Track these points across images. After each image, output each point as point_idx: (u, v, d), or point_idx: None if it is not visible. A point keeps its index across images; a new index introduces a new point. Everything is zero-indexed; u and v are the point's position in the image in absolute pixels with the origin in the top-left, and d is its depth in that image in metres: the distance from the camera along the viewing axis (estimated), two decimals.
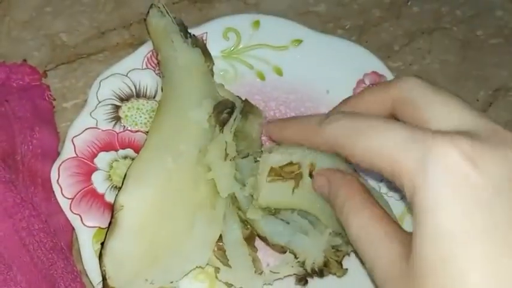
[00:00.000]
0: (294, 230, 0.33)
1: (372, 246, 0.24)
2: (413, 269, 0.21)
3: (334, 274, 0.33)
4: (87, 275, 0.32)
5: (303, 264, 0.32)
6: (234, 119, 0.36)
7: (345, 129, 0.25)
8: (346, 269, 0.33)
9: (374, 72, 0.42)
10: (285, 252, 0.32)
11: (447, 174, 0.21)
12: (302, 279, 0.32)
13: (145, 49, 0.40)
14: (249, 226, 0.33)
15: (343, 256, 0.33)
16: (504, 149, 0.21)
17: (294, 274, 0.32)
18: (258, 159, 0.35)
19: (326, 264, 0.32)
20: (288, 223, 0.33)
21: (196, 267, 0.32)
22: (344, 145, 0.25)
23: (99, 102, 0.37)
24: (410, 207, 0.22)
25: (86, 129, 0.36)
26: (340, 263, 0.32)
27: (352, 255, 0.34)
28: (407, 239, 0.23)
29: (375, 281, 0.24)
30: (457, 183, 0.21)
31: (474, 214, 0.20)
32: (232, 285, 0.32)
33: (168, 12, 0.39)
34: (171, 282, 0.31)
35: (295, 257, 0.32)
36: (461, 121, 0.23)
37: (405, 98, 0.25)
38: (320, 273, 0.32)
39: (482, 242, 0.20)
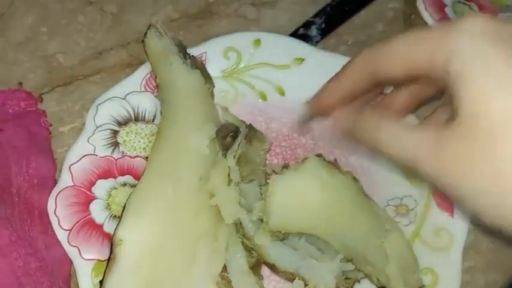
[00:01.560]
0: (302, 256, 0.32)
1: (403, 138, 0.24)
2: (462, 124, 0.21)
3: None
4: None
5: None
6: (238, 144, 0.35)
7: (382, 46, 0.25)
8: None
9: None
10: (293, 279, 0.32)
11: (479, 36, 0.21)
12: None
13: (144, 71, 0.39)
14: (254, 254, 0.32)
15: (354, 283, 0.33)
16: None
17: None
18: (266, 182, 0.34)
19: None
20: (295, 250, 0.32)
21: None
22: (382, 59, 0.25)
23: (97, 127, 0.36)
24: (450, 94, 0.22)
25: (84, 156, 0.35)
26: None
27: (362, 281, 0.33)
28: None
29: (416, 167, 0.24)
30: (491, 44, 0.21)
31: None
32: None
33: (166, 33, 0.38)
34: None
35: (305, 284, 0.31)
36: None
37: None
38: None
39: None
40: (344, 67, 0.29)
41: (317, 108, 0.31)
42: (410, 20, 0.47)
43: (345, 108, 0.29)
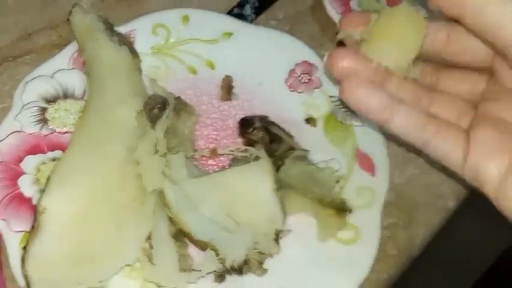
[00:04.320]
0: (218, 228, 0.33)
1: None
2: None
3: (254, 273, 0.33)
4: (17, 280, 0.32)
5: (223, 261, 0.32)
6: (167, 116, 0.36)
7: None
8: (266, 269, 0.33)
9: (305, 62, 0.43)
10: (206, 249, 0.33)
11: None
12: (220, 275, 0.33)
13: (71, 49, 0.39)
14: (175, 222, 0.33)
15: (265, 258, 0.34)
16: None
17: (214, 271, 0.33)
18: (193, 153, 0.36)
19: (246, 262, 0.32)
20: (214, 221, 0.33)
21: (126, 265, 0.32)
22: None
23: (24, 105, 0.37)
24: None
25: (11, 133, 0.35)
26: (260, 263, 0.33)
27: (275, 257, 0.35)
28: None
29: None
30: None
31: None
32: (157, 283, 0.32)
33: (92, 11, 0.39)
34: (101, 282, 0.31)
35: (216, 254, 0.32)
36: None
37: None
38: (239, 270, 0.32)
39: None
40: None
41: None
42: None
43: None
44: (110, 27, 0.39)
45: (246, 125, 0.39)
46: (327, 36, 0.47)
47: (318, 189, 0.36)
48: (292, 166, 0.37)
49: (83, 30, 0.38)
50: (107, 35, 0.38)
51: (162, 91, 0.38)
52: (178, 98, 0.38)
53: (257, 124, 0.38)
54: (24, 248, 0.30)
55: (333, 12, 0.45)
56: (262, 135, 0.38)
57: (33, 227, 0.31)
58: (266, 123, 0.39)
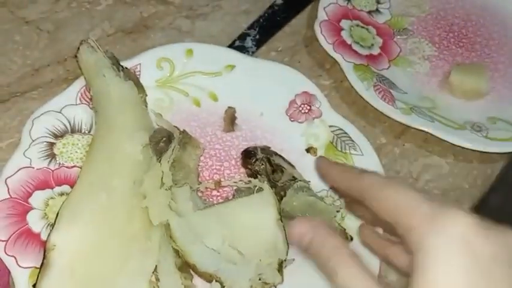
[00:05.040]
0: (222, 259, 0.34)
1: None
2: None
3: None
4: None
5: None
6: (172, 150, 0.37)
7: (379, 183, 0.27)
8: None
9: (305, 92, 0.44)
10: (211, 281, 0.33)
11: (452, 239, 0.22)
12: None
13: (79, 84, 0.40)
14: (181, 254, 0.34)
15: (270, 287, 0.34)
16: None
17: None
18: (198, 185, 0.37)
19: None
20: (217, 253, 0.34)
21: None
22: (373, 195, 0.27)
23: (33, 140, 0.38)
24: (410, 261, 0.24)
25: (20, 169, 0.36)
26: None
27: (280, 286, 0.35)
28: None
29: None
30: (460, 249, 0.22)
31: (474, 277, 0.22)
32: None
33: (99, 47, 0.40)
34: None
35: (222, 286, 0.33)
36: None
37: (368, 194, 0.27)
38: None
39: None
40: (362, 171, 0.29)
41: (325, 174, 0.32)
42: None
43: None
44: (116, 63, 0.40)
45: (248, 156, 0.40)
46: (324, 67, 0.48)
47: (320, 219, 0.37)
48: (294, 197, 0.37)
49: (90, 67, 0.39)
50: (114, 71, 0.39)
51: (167, 125, 0.39)
52: (183, 132, 0.39)
53: (259, 155, 0.39)
54: (34, 285, 0.31)
55: (325, 42, 0.46)
56: (265, 166, 0.39)
57: (42, 264, 0.31)
58: (268, 154, 0.40)
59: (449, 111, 0.45)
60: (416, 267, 0.23)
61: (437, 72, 0.49)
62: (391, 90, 0.45)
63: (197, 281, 0.35)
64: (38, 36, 0.45)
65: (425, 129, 0.43)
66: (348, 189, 0.29)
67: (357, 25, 0.49)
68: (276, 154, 0.40)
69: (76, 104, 0.40)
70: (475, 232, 0.22)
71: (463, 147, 0.44)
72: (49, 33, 0.46)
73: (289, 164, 0.40)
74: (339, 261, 0.26)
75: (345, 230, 0.37)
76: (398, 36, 0.50)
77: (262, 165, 0.39)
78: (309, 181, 0.39)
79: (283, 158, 0.40)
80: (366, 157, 0.41)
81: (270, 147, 0.41)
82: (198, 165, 0.39)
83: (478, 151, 0.44)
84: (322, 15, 0.48)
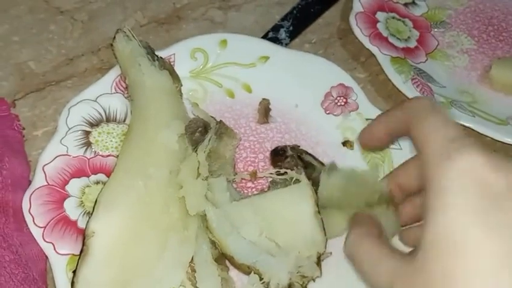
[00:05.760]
0: (260, 251, 0.33)
1: (377, 264, 0.26)
2: (420, 260, 0.23)
3: None
4: None
5: (267, 285, 0.32)
6: (209, 140, 0.37)
7: (423, 108, 0.27)
8: None
9: (341, 84, 0.43)
10: (250, 273, 0.32)
11: (464, 174, 0.22)
12: None
13: (114, 74, 0.40)
14: (217, 245, 0.33)
15: (308, 281, 0.33)
16: None
17: None
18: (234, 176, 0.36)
19: (290, 285, 0.32)
20: (255, 245, 0.33)
21: None
22: (414, 121, 0.27)
23: (69, 129, 0.37)
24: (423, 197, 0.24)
25: (57, 156, 0.36)
26: (304, 286, 0.33)
27: (317, 280, 0.34)
28: (404, 254, 0.25)
29: None
30: (472, 184, 0.22)
31: (488, 212, 0.22)
32: None
33: (134, 36, 0.40)
34: None
35: (260, 278, 0.32)
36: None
37: (409, 117, 0.27)
38: None
39: (493, 238, 0.21)
40: (387, 111, 0.31)
41: (363, 144, 0.33)
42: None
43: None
44: (151, 53, 0.40)
45: (278, 154, 0.39)
46: (359, 60, 0.47)
47: (364, 190, 0.35)
48: (328, 179, 0.36)
49: (126, 56, 0.39)
50: (149, 60, 0.39)
51: (203, 115, 0.38)
52: (220, 122, 0.38)
53: (289, 153, 0.38)
54: (74, 271, 0.30)
55: (361, 35, 0.45)
56: (295, 163, 0.38)
57: (81, 251, 0.31)
58: (298, 152, 0.39)
59: (490, 106, 0.44)
60: (428, 205, 0.23)
61: (477, 66, 0.47)
62: (429, 84, 0.44)
63: (232, 273, 0.35)
64: (72, 26, 0.46)
65: (466, 124, 0.42)
66: (396, 124, 0.29)
67: (393, 17, 0.48)
68: (306, 152, 0.39)
69: (111, 93, 0.40)
70: (487, 167, 0.22)
71: (504, 143, 0.42)
72: (83, 23, 0.46)
73: (320, 162, 0.39)
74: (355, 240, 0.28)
75: (391, 191, 0.35)
76: (435, 29, 0.49)
77: (293, 163, 0.38)
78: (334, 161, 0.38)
79: (314, 156, 0.39)
80: (404, 151, 0.40)
81: (299, 146, 0.40)
82: (234, 156, 0.39)
83: None
84: (357, 6, 0.47)
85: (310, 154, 0.39)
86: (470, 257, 0.21)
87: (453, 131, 0.25)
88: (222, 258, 0.34)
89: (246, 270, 0.33)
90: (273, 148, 0.40)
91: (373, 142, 0.32)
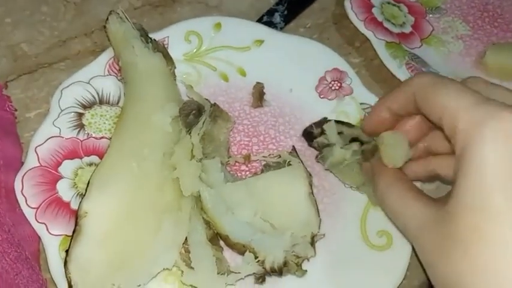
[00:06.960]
0: (255, 230, 0.33)
1: (406, 208, 0.27)
2: (451, 211, 0.24)
3: (294, 274, 0.33)
4: (55, 283, 0.32)
5: (262, 263, 0.32)
6: (203, 122, 0.36)
7: (429, 82, 0.27)
8: (306, 270, 0.33)
9: (335, 69, 0.43)
10: (245, 252, 0.33)
11: (497, 135, 0.23)
12: (260, 277, 0.32)
13: (107, 56, 0.40)
14: (212, 226, 0.33)
15: (303, 260, 0.34)
16: None
17: (253, 273, 0.33)
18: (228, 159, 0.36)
19: (286, 264, 0.32)
20: (250, 224, 0.33)
21: (164, 269, 0.32)
22: (423, 95, 0.27)
23: (62, 110, 0.37)
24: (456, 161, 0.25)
25: (49, 138, 0.36)
26: (299, 265, 0.33)
27: (311, 260, 0.34)
28: (435, 201, 0.26)
29: (408, 237, 0.27)
30: (506, 145, 0.23)
31: None
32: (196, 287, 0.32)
33: (127, 18, 0.39)
34: (139, 286, 0.31)
35: (255, 257, 0.32)
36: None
37: (416, 93, 0.28)
38: (279, 272, 0.32)
39: None
40: (394, 91, 0.31)
41: (368, 127, 0.34)
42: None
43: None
44: (144, 35, 0.39)
45: (308, 137, 0.39)
46: (354, 44, 0.47)
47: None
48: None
49: (119, 38, 0.39)
50: (142, 42, 0.39)
51: (198, 97, 0.38)
52: (214, 105, 0.38)
53: (316, 131, 0.38)
54: (66, 251, 0.30)
55: (356, 19, 0.45)
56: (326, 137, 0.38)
57: (74, 231, 0.31)
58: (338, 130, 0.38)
59: None
60: (461, 168, 0.24)
61: (471, 52, 0.47)
62: (423, 69, 0.44)
63: (226, 253, 0.35)
64: (65, 8, 0.45)
65: None
66: (401, 100, 0.29)
67: (388, 2, 0.48)
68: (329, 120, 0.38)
69: (104, 75, 0.39)
70: None
71: None
72: (76, 4, 0.45)
73: (348, 124, 0.38)
74: (386, 185, 0.30)
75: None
76: (430, 15, 0.49)
77: (325, 139, 0.38)
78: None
79: (341, 122, 0.38)
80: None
81: (326, 118, 0.39)
82: (228, 139, 0.39)
83: None
84: None
85: (337, 121, 0.38)
86: (501, 221, 0.22)
87: (473, 97, 0.25)
88: (216, 239, 0.34)
89: (241, 249, 0.33)
90: (267, 131, 0.40)
91: (378, 125, 0.32)
